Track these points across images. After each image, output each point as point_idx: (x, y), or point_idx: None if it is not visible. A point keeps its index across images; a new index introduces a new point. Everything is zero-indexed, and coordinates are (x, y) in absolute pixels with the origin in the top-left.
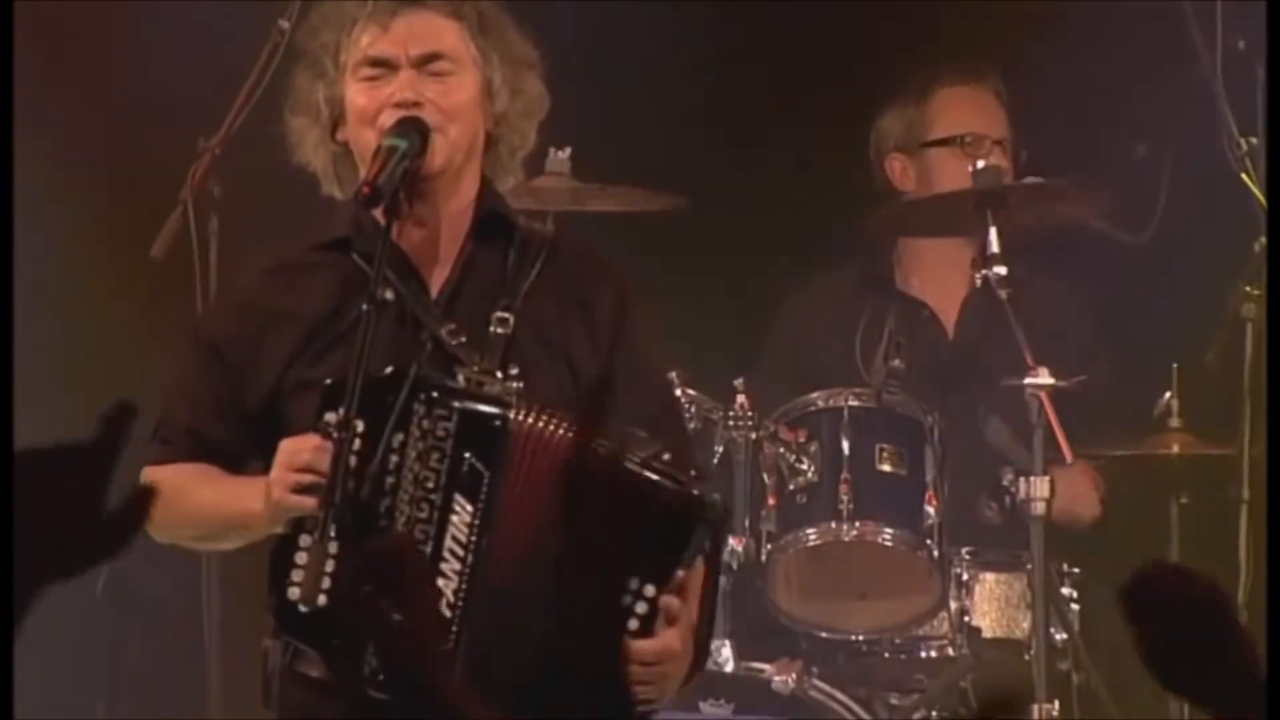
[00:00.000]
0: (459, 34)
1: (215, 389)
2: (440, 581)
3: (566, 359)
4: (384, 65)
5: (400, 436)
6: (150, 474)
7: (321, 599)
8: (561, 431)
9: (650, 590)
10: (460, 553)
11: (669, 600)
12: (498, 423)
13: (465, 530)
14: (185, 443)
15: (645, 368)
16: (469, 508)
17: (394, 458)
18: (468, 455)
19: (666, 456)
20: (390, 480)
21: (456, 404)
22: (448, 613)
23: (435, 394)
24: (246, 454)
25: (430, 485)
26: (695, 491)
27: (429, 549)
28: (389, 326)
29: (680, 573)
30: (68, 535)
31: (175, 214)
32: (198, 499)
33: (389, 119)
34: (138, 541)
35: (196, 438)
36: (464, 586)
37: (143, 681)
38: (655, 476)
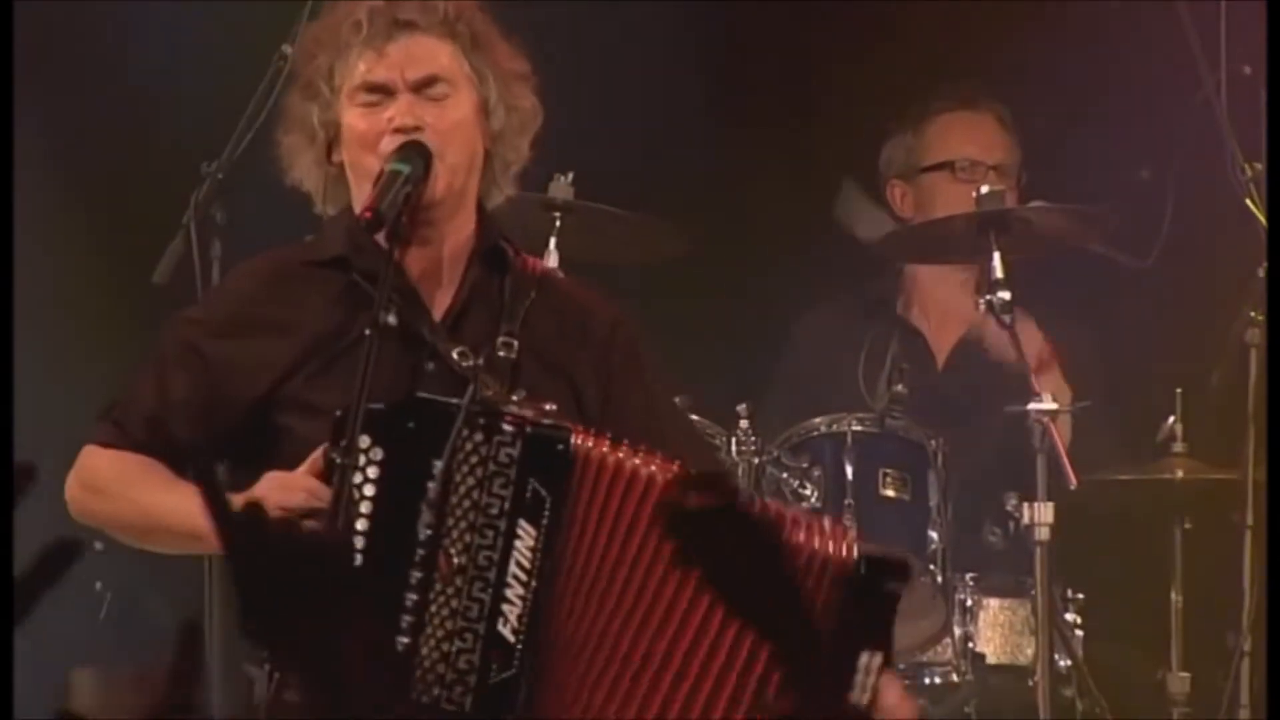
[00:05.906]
0: (453, 54)
1: (188, 386)
2: (505, 607)
3: (569, 381)
4: (381, 90)
5: (439, 464)
6: (91, 455)
7: None
8: (651, 468)
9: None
10: (524, 578)
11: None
12: (560, 446)
13: (529, 556)
14: (142, 432)
15: (654, 389)
16: (533, 533)
17: (432, 485)
18: (532, 480)
19: None
20: (428, 508)
21: (516, 428)
22: (511, 638)
23: (487, 419)
24: (198, 457)
25: (494, 511)
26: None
27: (492, 575)
28: (390, 351)
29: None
30: None
31: (178, 239)
32: (145, 501)
33: (390, 144)
34: (140, 565)
35: (157, 430)
36: (528, 612)
37: None
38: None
